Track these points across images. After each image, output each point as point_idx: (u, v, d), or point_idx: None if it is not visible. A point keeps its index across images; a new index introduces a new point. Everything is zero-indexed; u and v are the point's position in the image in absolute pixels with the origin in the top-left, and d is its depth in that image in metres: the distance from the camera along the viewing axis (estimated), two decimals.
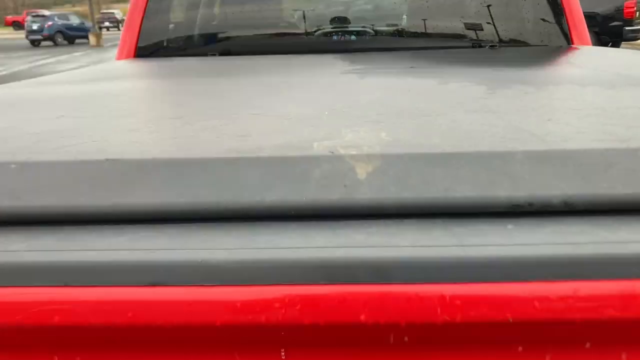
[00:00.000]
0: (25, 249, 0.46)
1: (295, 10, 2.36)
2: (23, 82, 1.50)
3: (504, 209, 0.47)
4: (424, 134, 0.67)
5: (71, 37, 29.59)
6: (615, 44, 11.34)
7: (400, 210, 0.47)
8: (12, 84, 1.43)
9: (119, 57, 2.26)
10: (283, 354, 0.44)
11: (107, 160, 0.56)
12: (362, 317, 0.41)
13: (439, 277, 0.41)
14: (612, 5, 11.69)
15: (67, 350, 0.47)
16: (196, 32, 2.33)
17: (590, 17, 11.73)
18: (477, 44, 2.11)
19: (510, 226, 0.46)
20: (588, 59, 1.71)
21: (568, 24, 2.12)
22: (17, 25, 48.56)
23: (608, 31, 11.65)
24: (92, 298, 0.43)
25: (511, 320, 0.41)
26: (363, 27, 2.33)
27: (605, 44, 10.68)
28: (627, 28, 11.55)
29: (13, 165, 0.54)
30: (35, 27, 28.03)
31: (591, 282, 0.41)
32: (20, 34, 35.32)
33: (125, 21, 2.31)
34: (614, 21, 11.64)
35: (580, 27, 2.14)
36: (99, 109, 1.02)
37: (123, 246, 0.45)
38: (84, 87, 1.38)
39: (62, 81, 1.52)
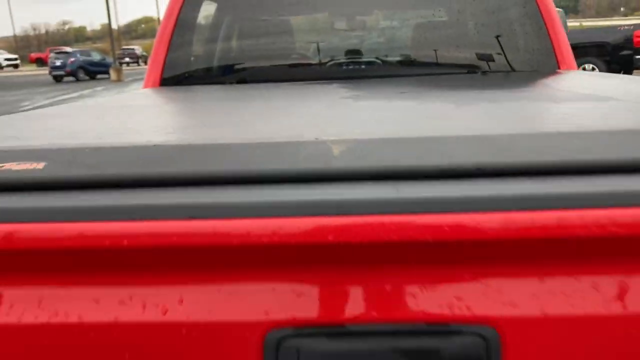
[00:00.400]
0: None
1: (303, 42, 2.57)
2: (68, 105, 1.73)
3: (434, 173, 0.66)
4: (386, 129, 0.93)
5: (93, 72, 30.43)
6: (628, 72, 11.54)
7: (361, 175, 0.67)
8: (56, 107, 1.64)
9: (146, 86, 2.47)
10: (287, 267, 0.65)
11: (154, 145, 0.79)
12: (330, 237, 0.60)
13: (381, 211, 0.60)
14: (622, 35, 11.95)
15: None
16: (215, 63, 2.54)
17: (600, 47, 11.96)
18: (472, 71, 2.30)
19: (436, 182, 0.65)
20: (564, 81, 1.88)
21: (554, 51, 2.30)
22: (40, 62, 50.00)
23: (619, 60, 11.88)
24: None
25: (431, 240, 0.59)
26: (358, 58, 2.54)
27: (617, 72, 10.88)
28: (637, 57, 11.77)
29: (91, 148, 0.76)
30: (58, 63, 28.88)
31: (479, 214, 0.60)
32: (44, 70, 36.42)
33: (151, 54, 2.52)
34: (624, 50, 11.87)
35: (565, 52, 2.31)
36: (138, 118, 1.29)
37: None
38: (121, 106, 1.60)
39: (102, 103, 1.75)
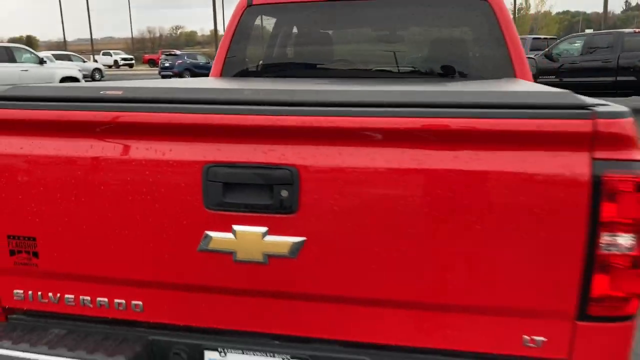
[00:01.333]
0: None
1: (323, 50, 3.42)
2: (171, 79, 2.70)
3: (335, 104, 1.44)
4: (343, 90, 1.63)
5: (197, 74, 32.61)
6: None
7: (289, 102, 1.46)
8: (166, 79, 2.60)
9: (211, 76, 3.40)
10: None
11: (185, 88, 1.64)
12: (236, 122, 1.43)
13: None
14: None
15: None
16: (260, 62, 3.43)
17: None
18: (443, 75, 3.04)
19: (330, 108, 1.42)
20: (495, 83, 2.58)
21: (513, 64, 2.98)
22: (152, 62, 53.66)
23: None
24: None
25: (282, 126, 1.41)
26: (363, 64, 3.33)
27: None
28: None
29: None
30: (167, 64, 31.24)
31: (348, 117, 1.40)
32: (154, 70, 39.36)
33: (216, 56, 3.45)
34: None
35: (521, 63, 2.98)
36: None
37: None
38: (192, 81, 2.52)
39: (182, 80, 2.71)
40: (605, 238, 1.34)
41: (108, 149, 1.53)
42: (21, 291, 1.69)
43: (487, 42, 3.09)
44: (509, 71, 2.99)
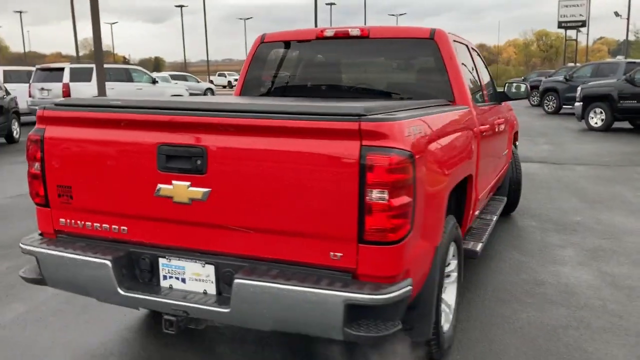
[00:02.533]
0: None
1: (314, 76, 4.44)
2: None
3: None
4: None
5: None
6: None
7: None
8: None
9: (234, 95, 4.53)
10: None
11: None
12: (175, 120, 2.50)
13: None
14: None
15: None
16: (269, 85, 4.51)
17: None
18: (388, 95, 3.97)
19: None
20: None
21: (452, 88, 3.83)
22: None
23: None
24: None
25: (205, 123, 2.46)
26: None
27: None
28: None
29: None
30: None
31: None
32: None
33: (238, 79, 4.57)
34: None
35: (459, 90, 3.82)
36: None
37: None
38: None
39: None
40: (369, 193, 2.25)
41: (109, 134, 2.66)
42: (63, 220, 2.85)
43: (432, 73, 3.97)
44: (448, 95, 3.85)
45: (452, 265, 3.39)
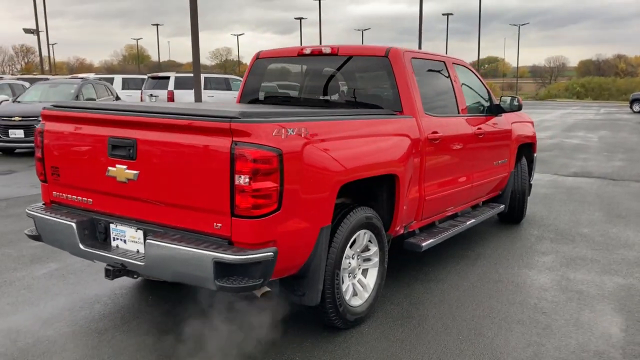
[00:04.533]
0: None
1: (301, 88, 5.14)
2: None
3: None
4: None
5: None
6: None
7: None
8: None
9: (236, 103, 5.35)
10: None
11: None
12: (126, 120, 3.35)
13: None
14: None
15: None
16: (262, 93, 5.28)
17: None
18: (348, 104, 4.58)
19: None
20: (366, 114, 4.08)
21: (400, 100, 4.37)
22: None
23: None
24: None
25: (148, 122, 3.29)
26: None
27: None
28: None
29: None
30: None
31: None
32: None
33: (239, 89, 5.39)
34: None
35: (407, 102, 4.36)
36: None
37: None
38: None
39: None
40: (237, 178, 2.94)
41: (80, 128, 3.57)
42: (55, 192, 3.80)
43: (384, 86, 4.54)
44: (397, 106, 4.40)
45: (372, 250, 3.95)
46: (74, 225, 3.52)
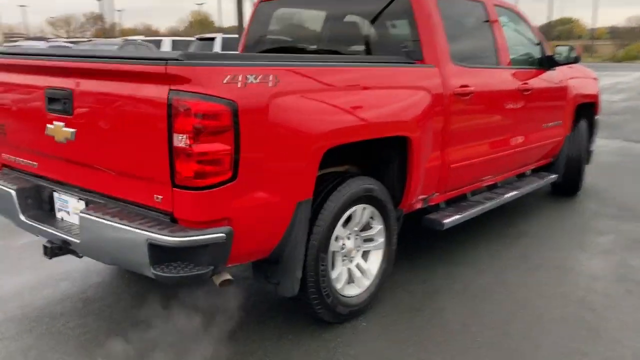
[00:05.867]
0: None
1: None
2: None
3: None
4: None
5: None
6: None
7: None
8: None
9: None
10: None
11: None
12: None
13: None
14: None
15: None
16: (266, 41, 4.56)
17: None
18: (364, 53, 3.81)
19: None
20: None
21: (421, 46, 3.56)
22: None
23: None
24: None
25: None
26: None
27: None
28: None
29: None
30: None
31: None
32: None
33: (241, 37, 4.70)
34: None
35: (429, 48, 3.54)
36: None
37: None
38: None
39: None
40: (176, 138, 2.28)
41: (19, 79, 2.99)
42: (5, 155, 3.27)
43: (405, 32, 3.73)
44: (418, 54, 3.60)
45: (376, 229, 3.24)
46: (13, 193, 2.98)
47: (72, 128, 2.70)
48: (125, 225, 2.42)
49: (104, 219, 2.50)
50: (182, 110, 2.26)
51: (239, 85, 2.37)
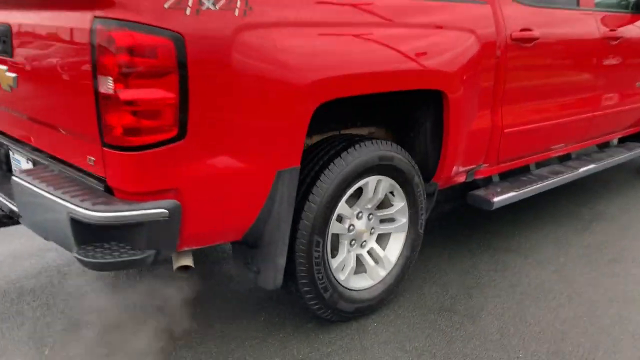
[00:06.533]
0: None
1: None
2: None
3: None
4: None
5: None
6: None
7: None
8: None
9: None
10: None
11: None
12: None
13: None
14: None
15: None
16: None
17: None
18: None
19: None
20: None
21: None
22: None
23: None
24: None
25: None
26: None
27: None
28: None
29: None
30: None
31: None
32: None
33: None
34: None
35: None
36: None
37: None
38: None
39: None
40: (101, 81, 1.73)
41: None
42: None
43: None
44: None
45: (396, 207, 2.59)
46: None
47: (14, 73, 2.21)
48: (49, 193, 1.91)
49: (32, 184, 2.00)
50: (105, 44, 1.69)
51: (188, 12, 1.76)
